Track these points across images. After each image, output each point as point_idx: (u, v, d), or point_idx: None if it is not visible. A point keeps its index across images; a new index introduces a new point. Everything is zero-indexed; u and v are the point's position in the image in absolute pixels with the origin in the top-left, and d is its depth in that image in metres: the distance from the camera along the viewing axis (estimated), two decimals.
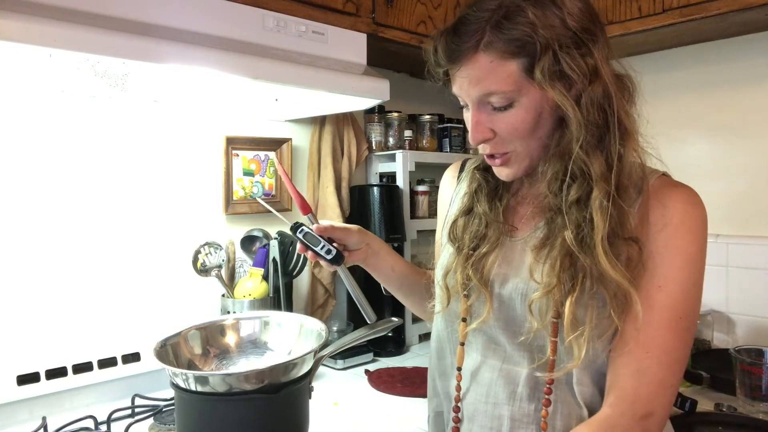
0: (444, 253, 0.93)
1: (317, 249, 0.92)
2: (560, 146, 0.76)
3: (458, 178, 1.00)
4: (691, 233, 0.75)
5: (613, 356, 0.75)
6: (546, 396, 0.77)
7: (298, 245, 0.94)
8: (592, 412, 0.77)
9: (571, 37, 0.72)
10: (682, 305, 0.73)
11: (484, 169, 0.91)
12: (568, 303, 0.72)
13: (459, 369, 0.87)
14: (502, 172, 0.84)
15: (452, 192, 0.99)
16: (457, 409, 0.87)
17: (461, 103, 0.82)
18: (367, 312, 0.99)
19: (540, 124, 0.76)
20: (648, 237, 0.74)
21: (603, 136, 0.74)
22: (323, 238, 0.93)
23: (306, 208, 0.96)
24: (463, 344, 0.86)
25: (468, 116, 0.81)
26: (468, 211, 0.90)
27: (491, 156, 0.82)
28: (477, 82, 0.75)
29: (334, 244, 0.94)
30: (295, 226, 0.93)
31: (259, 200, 1.30)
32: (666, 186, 0.77)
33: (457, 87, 0.79)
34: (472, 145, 0.81)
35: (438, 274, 0.91)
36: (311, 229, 0.93)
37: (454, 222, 0.90)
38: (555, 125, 0.78)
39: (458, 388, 0.87)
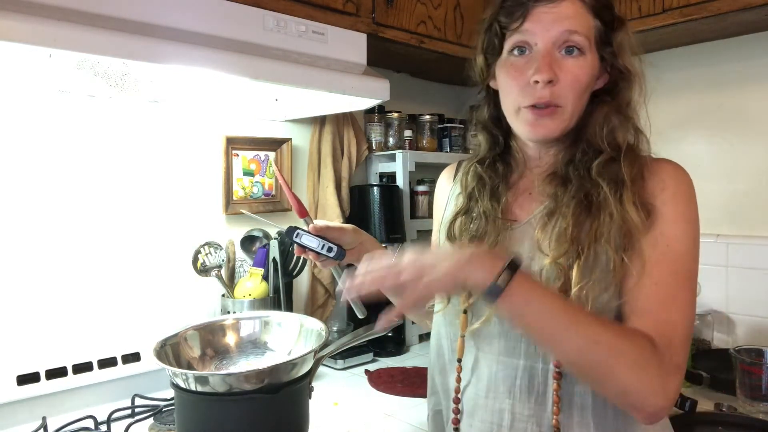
0: None
1: (317, 249, 0.93)
2: (592, 117, 0.83)
3: (454, 179, 1.00)
4: (686, 198, 0.79)
5: (637, 312, 0.76)
6: (556, 369, 0.77)
7: (296, 248, 0.94)
8: (595, 396, 0.77)
9: (631, 30, 0.84)
10: (689, 263, 0.78)
11: (484, 164, 0.92)
12: (576, 267, 0.75)
13: (459, 361, 0.87)
14: (540, 126, 0.81)
15: (448, 192, 1.00)
16: (457, 401, 0.87)
17: (518, 45, 0.82)
18: (358, 307, 1.00)
19: (588, 88, 0.82)
20: (649, 206, 0.79)
21: (632, 119, 0.83)
22: (320, 238, 0.93)
23: (303, 212, 0.97)
24: (463, 336, 0.86)
25: (519, 62, 0.82)
26: (465, 210, 0.91)
27: (537, 106, 0.80)
28: (564, 19, 0.79)
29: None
30: (291, 231, 0.93)
31: (245, 212, 1.31)
32: (654, 161, 0.83)
33: (535, 21, 0.80)
34: (539, 80, 0.79)
35: None
36: (307, 231, 0.93)
37: (452, 222, 0.91)
38: (588, 99, 0.84)
39: (458, 380, 0.87)
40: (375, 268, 0.71)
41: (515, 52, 0.82)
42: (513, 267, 0.68)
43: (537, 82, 0.78)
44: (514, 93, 0.82)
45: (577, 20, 0.79)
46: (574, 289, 0.75)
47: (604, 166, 0.80)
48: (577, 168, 0.83)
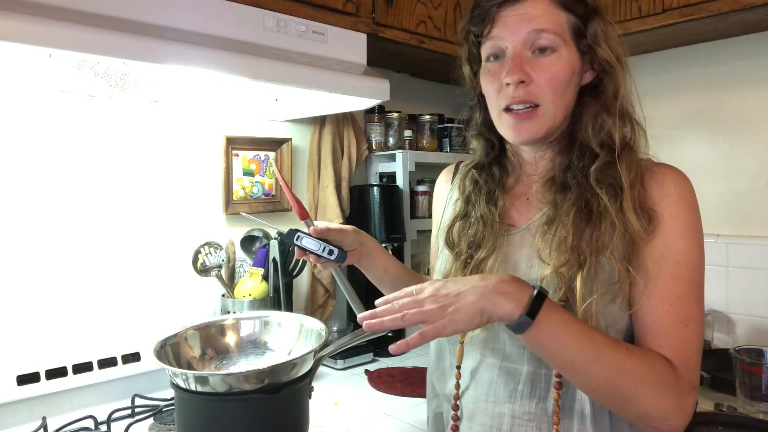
0: (442, 258, 0.93)
1: (318, 252, 0.92)
2: (582, 118, 0.82)
3: (452, 181, 1.00)
4: (691, 208, 0.78)
5: (653, 333, 0.76)
6: (557, 379, 0.77)
7: (296, 251, 0.94)
8: (594, 403, 0.77)
9: (608, 19, 0.82)
10: (699, 276, 0.77)
11: (480, 169, 0.92)
12: (579, 278, 0.74)
13: (458, 368, 0.87)
14: (522, 129, 0.81)
15: (446, 195, 1.00)
16: (456, 407, 0.87)
17: (491, 52, 0.83)
18: (357, 307, 1.00)
19: (570, 85, 0.80)
20: (650, 212, 0.78)
21: (625, 112, 0.81)
22: (321, 240, 0.93)
23: (304, 214, 0.96)
24: (462, 343, 0.86)
25: (494, 66, 0.82)
26: (463, 215, 0.90)
27: (514, 110, 0.81)
28: (531, 19, 0.78)
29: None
30: (291, 233, 0.93)
31: (244, 214, 1.32)
32: (655, 166, 0.81)
33: (502, 26, 0.80)
34: (510, 81, 0.79)
35: (436, 278, 0.91)
36: (308, 234, 0.93)
37: (450, 227, 0.91)
38: (576, 95, 0.82)
39: (457, 386, 0.87)
40: (395, 298, 0.71)
41: (491, 58, 0.83)
42: (539, 297, 0.68)
43: (509, 84, 0.79)
44: (493, 97, 0.83)
45: (545, 18, 0.78)
46: (581, 306, 0.74)
47: (601, 171, 0.79)
48: (575, 174, 0.81)
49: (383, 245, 1.69)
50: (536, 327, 0.67)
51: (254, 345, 1.07)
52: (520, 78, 0.78)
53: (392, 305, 0.71)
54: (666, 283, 0.75)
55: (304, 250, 0.93)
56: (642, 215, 0.76)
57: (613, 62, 0.80)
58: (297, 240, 0.92)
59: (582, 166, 0.81)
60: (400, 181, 1.84)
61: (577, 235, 0.77)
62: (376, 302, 0.73)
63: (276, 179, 1.66)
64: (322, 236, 0.94)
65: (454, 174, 1.01)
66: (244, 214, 1.33)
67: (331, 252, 0.92)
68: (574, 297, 0.75)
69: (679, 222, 0.76)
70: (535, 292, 0.68)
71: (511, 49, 0.80)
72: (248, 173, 1.61)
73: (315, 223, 0.95)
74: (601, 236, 0.76)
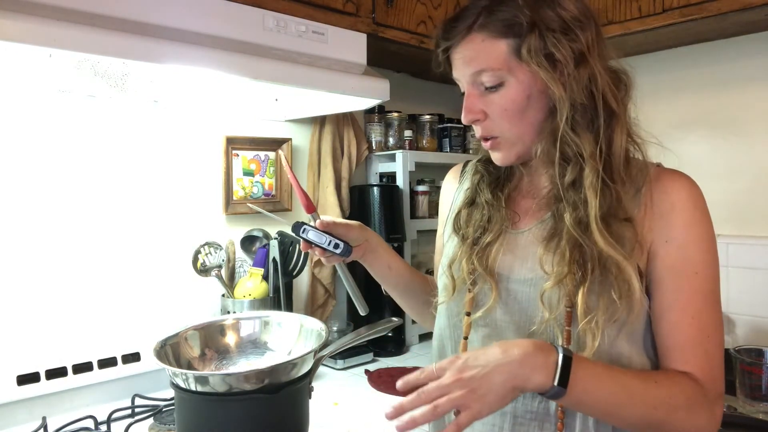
0: (449, 245, 0.94)
1: (324, 245, 0.92)
2: (553, 132, 0.79)
3: (460, 179, 1.01)
4: (705, 217, 0.78)
5: (678, 348, 0.76)
6: None
7: (302, 243, 0.94)
8: None
9: (559, 23, 0.76)
10: (716, 285, 0.78)
11: (487, 161, 0.93)
12: (580, 293, 0.74)
13: None
14: (493, 156, 0.86)
15: (454, 191, 1.00)
16: None
17: (462, 90, 0.85)
18: (360, 303, 1.00)
19: (529, 107, 0.79)
20: (656, 223, 0.77)
21: (592, 119, 0.77)
22: (327, 234, 0.93)
23: (310, 207, 0.96)
24: (466, 338, 0.86)
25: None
26: (471, 202, 0.92)
27: (484, 138, 0.84)
28: (470, 60, 0.79)
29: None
30: (297, 226, 0.93)
31: (250, 205, 1.31)
32: (664, 174, 0.80)
33: (455, 69, 0.83)
34: (463, 123, 0.84)
35: (443, 263, 0.92)
36: (314, 227, 0.93)
37: (458, 213, 0.92)
38: (547, 112, 0.80)
39: None
40: (417, 383, 0.71)
41: (461, 88, 0.86)
42: (565, 359, 0.68)
43: None
44: None
45: (481, 57, 0.78)
46: (584, 322, 0.73)
47: (569, 191, 0.76)
48: (568, 190, 0.79)
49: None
50: (569, 392, 0.68)
51: (254, 345, 1.07)
52: (472, 119, 0.82)
53: (418, 396, 0.71)
54: (686, 296, 0.75)
55: (310, 243, 0.93)
56: (626, 227, 0.75)
57: (548, 77, 0.75)
58: (303, 233, 0.92)
59: (566, 182, 0.78)
60: (400, 181, 1.84)
61: (575, 251, 0.76)
62: (401, 402, 0.72)
63: (278, 176, 1.66)
64: (328, 230, 0.93)
65: (463, 171, 1.01)
66: (250, 205, 1.33)
67: (336, 246, 0.92)
68: (575, 309, 0.75)
69: (695, 233, 0.77)
70: (561, 356, 0.68)
71: (465, 89, 0.83)
72: (248, 173, 1.61)
73: (321, 216, 0.95)
74: (594, 252, 0.75)
